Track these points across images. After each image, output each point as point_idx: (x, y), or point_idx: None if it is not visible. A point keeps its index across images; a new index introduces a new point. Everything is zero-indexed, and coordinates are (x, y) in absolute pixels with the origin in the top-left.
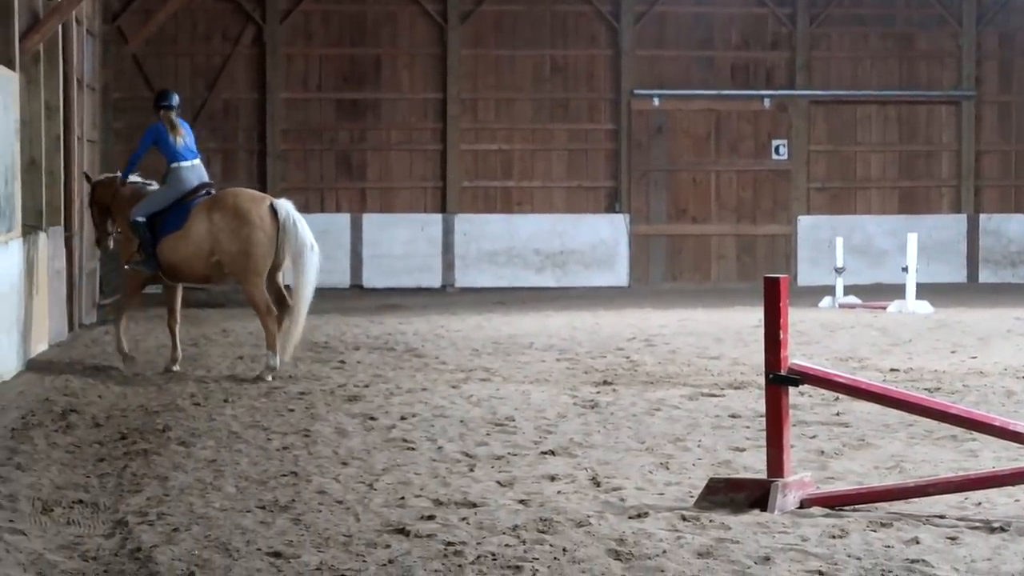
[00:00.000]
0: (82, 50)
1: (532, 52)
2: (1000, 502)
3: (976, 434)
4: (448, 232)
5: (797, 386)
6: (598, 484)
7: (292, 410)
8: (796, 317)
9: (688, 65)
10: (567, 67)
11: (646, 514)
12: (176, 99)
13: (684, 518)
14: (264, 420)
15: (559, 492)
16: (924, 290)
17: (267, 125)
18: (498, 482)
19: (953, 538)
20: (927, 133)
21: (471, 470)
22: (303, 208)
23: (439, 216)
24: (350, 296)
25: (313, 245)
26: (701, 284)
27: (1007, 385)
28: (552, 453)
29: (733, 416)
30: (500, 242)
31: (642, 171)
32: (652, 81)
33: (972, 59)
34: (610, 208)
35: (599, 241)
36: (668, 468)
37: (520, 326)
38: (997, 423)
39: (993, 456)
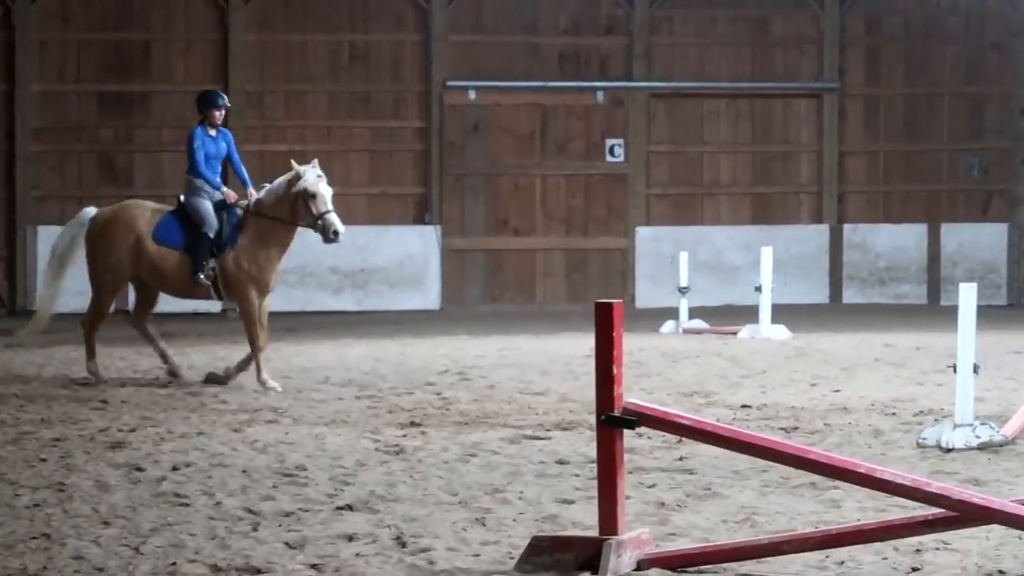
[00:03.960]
0: None
1: (328, 37)
2: (866, 560)
3: (838, 482)
4: None
5: (633, 428)
6: (403, 544)
7: (44, 460)
8: (634, 345)
9: (509, 53)
10: (369, 55)
11: None
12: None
13: None
14: (11, 472)
15: (358, 555)
16: (781, 312)
17: (16, 122)
18: (286, 543)
19: None
20: (784, 131)
21: (255, 529)
22: (59, 219)
23: None
24: (115, 323)
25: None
26: (524, 306)
27: (874, 423)
28: (350, 508)
29: (560, 462)
30: (290, 258)
31: (456, 175)
32: (468, 71)
33: (835, 46)
34: (419, 219)
35: (406, 257)
36: (485, 524)
37: (314, 357)
38: (862, 469)
39: (858, 507)
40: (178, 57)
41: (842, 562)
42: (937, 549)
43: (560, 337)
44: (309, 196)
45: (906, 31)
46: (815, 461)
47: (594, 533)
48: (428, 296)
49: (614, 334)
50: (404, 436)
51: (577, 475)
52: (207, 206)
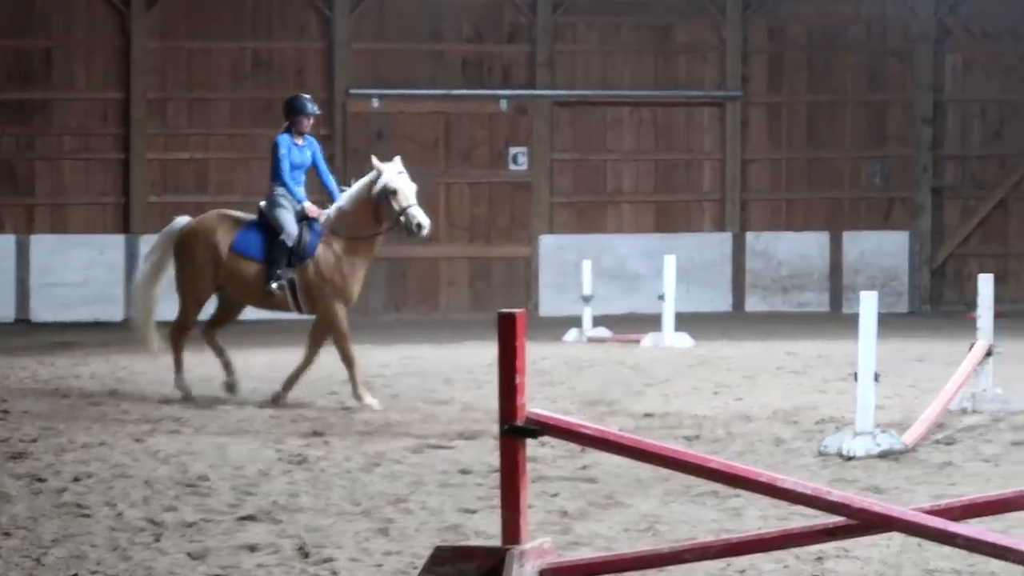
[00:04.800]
0: None
1: (231, 44)
2: (767, 568)
3: (740, 490)
4: (132, 256)
5: (536, 438)
6: (306, 555)
7: None
8: (537, 354)
9: (413, 61)
10: (272, 62)
11: None
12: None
13: None
14: None
15: (259, 565)
16: (684, 320)
17: None
18: (188, 554)
19: None
20: (687, 139)
21: (157, 540)
22: None
23: (121, 237)
24: (15, 332)
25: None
26: (428, 315)
27: (776, 432)
28: (252, 518)
29: (463, 472)
30: None
31: None
32: (371, 79)
33: (738, 54)
34: None
35: None
36: (387, 534)
37: (216, 367)
38: (764, 478)
39: (759, 515)
40: (79, 64)
41: (743, 570)
42: (838, 557)
43: (464, 346)
44: (390, 192)
45: (808, 39)
46: (717, 470)
47: (497, 543)
48: None
49: (517, 344)
50: (307, 445)
51: (480, 484)
52: (287, 215)
